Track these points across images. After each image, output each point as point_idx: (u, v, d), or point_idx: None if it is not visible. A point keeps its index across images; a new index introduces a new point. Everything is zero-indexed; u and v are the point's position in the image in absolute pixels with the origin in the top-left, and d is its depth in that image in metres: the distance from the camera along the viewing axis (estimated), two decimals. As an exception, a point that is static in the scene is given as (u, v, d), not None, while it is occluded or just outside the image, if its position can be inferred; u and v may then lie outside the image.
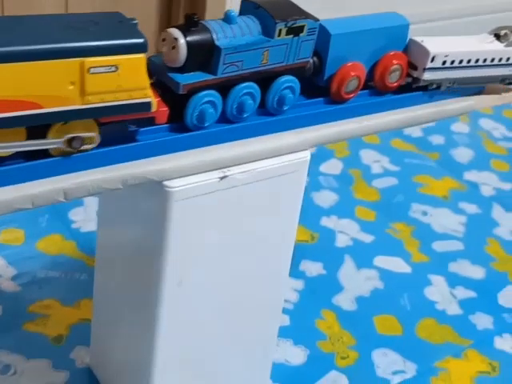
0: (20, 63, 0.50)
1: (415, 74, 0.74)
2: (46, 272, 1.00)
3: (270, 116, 0.66)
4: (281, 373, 0.88)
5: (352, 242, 1.12)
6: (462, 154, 1.40)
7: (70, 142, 0.55)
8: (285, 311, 0.97)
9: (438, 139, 1.45)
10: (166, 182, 0.61)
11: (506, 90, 0.84)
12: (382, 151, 1.38)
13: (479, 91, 0.81)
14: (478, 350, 0.95)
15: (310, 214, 1.18)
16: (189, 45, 0.59)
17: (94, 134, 0.56)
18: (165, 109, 0.59)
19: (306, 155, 0.69)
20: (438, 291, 1.04)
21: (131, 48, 0.53)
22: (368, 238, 1.14)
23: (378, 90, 0.73)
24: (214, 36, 0.60)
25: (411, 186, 1.28)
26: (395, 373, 0.90)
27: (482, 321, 1.00)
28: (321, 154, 1.35)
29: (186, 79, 0.59)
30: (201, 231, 0.65)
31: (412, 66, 0.74)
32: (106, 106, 0.54)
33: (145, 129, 0.60)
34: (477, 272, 1.09)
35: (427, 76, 0.74)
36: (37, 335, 0.88)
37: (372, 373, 0.89)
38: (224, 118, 0.64)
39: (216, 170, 0.63)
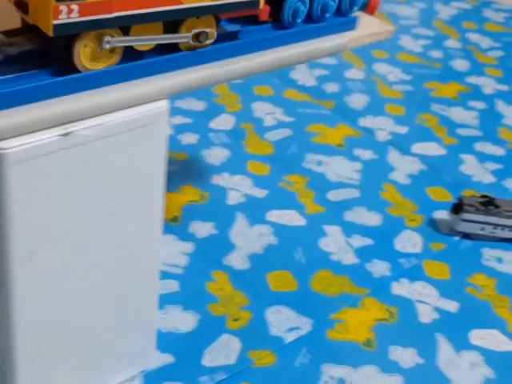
0: None
1: None
2: None
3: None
4: (170, 342, 0.82)
5: (244, 198, 1.08)
6: (357, 101, 1.37)
7: (197, 36, 0.64)
8: (173, 276, 0.92)
9: (332, 87, 1.41)
10: (-5, 144, 0.54)
11: (381, 26, 0.80)
12: (276, 103, 1.33)
13: (352, 28, 0.76)
14: (376, 298, 0.93)
15: (199, 173, 1.12)
16: None
17: (214, 30, 0.65)
18: (268, 7, 0.69)
19: (162, 105, 0.62)
20: (333, 242, 1.01)
21: None
22: (261, 193, 1.09)
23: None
24: None
25: (305, 137, 1.24)
26: (290, 330, 0.86)
27: (379, 268, 0.98)
28: (211, 109, 1.29)
29: None
30: (48, 197, 0.58)
31: None
32: (227, 3, 0.64)
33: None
34: (373, 219, 1.07)
35: None
36: None
37: (266, 332, 0.85)
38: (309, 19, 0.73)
39: (58, 126, 0.57)
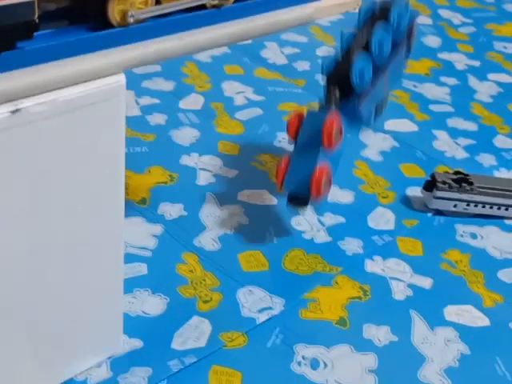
0: None
1: None
2: None
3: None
4: (138, 326, 0.80)
5: (214, 178, 1.05)
6: (329, 78, 1.35)
7: None
8: (142, 259, 0.89)
9: (303, 65, 1.39)
10: None
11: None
12: (246, 82, 1.31)
13: (318, -2, 0.74)
14: (349, 276, 0.91)
15: (168, 154, 1.09)
16: None
17: None
18: None
19: (119, 79, 0.60)
20: (305, 220, 0.99)
21: None
22: (232, 173, 1.07)
23: None
24: None
25: (277, 115, 1.22)
26: (261, 310, 0.84)
27: (352, 246, 0.96)
28: (180, 89, 1.26)
29: None
30: (-1, 177, 0.56)
31: None
32: None
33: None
34: (345, 197, 1.05)
35: None
36: None
37: (237, 313, 0.84)
38: None
39: (6, 102, 0.54)
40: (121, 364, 0.76)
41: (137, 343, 0.78)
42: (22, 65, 0.55)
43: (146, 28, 0.61)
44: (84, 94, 0.57)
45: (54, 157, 0.58)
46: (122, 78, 0.60)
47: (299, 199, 0.86)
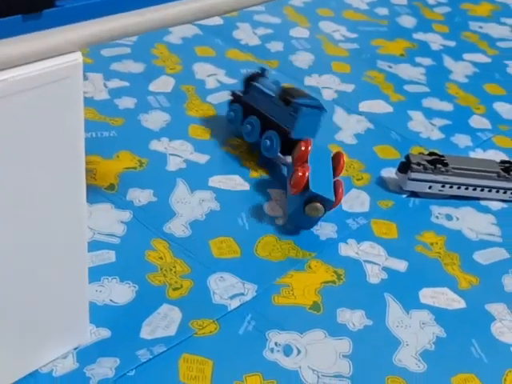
0: None
1: None
2: None
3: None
4: (105, 315, 0.77)
5: (185, 164, 1.03)
6: (302, 60, 1.33)
7: None
8: (110, 246, 0.87)
9: (276, 46, 1.36)
10: None
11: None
12: (218, 64, 1.28)
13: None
14: (322, 260, 0.90)
15: (137, 138, 1.06)
16: None
17: None
18: None
19: (76, 57, 0.57)
20: (278, 206, 0.97)
21: None
22: (203, 158, 1.04)
23: None
24: None
25: (249, 98, 1.19)
26: (233, 297, 0.82)
27: (326, 230, 0.94)
28: (149, 71, 1.23)
29: None
30: None
31: None
32: None
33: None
34: (319, 179, 1.03)
35: None
36: None
37: (208, 300, 0.81)
38: None
39: (-46, 83, 0.51)
40: (88, 355, 0.73)
41: (104, 333, 0.76)
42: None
43: (104, 3, 0.58)
44: (38, 73, 0.54)
45: (7, 139, 0.55)
46: (78, 57, 0.57)
47: (319, 200, 0.91)
